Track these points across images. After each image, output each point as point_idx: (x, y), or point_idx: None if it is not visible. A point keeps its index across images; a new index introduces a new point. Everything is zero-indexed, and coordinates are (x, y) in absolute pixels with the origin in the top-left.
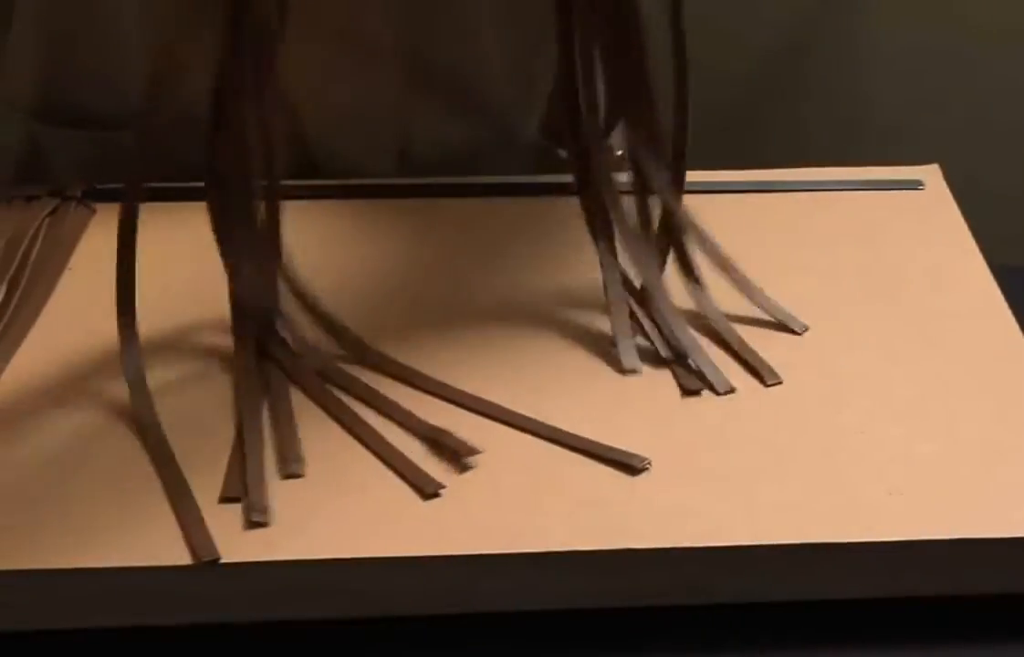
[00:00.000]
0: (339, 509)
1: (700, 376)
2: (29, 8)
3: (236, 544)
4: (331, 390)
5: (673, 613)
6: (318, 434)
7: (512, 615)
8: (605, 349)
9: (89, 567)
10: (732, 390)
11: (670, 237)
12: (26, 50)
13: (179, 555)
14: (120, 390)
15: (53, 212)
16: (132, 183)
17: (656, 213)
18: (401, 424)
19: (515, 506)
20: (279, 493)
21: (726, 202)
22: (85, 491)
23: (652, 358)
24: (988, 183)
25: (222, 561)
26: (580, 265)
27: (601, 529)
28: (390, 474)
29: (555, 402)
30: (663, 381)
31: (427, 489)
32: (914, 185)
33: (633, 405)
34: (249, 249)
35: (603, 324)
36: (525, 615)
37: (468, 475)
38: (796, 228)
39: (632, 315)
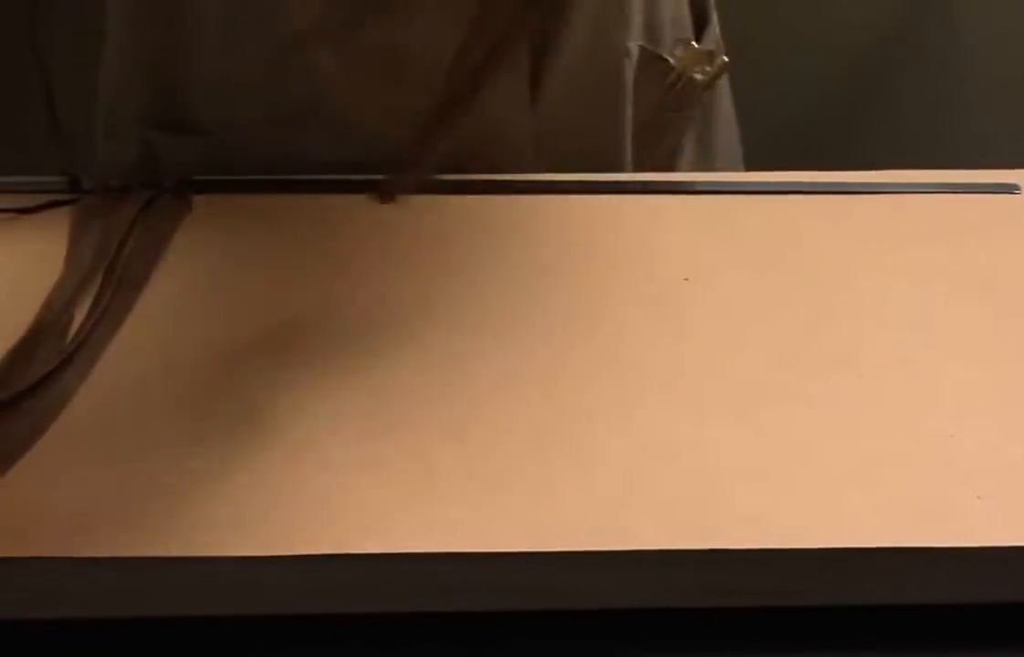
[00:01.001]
0: (434, 504)
1: None
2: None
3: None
4: None
5: (758, 615)
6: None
7: (597, 613)
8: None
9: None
10: None
11: None
12: (139, 62)
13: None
14: (215, 375)
15: (149, 203)
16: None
17: None
18: None
19: (604, 503)
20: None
21: (818, 203)
22: (184, 480)
23: None
24: None
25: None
26: None
27: (690, 528)
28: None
29: None
30: (758, 389)
31: None
32: (1009, 189)
33: (713, 409)
34: None
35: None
36: (610, 613)
37: (559, 471)
38: (889, 230)
39: None
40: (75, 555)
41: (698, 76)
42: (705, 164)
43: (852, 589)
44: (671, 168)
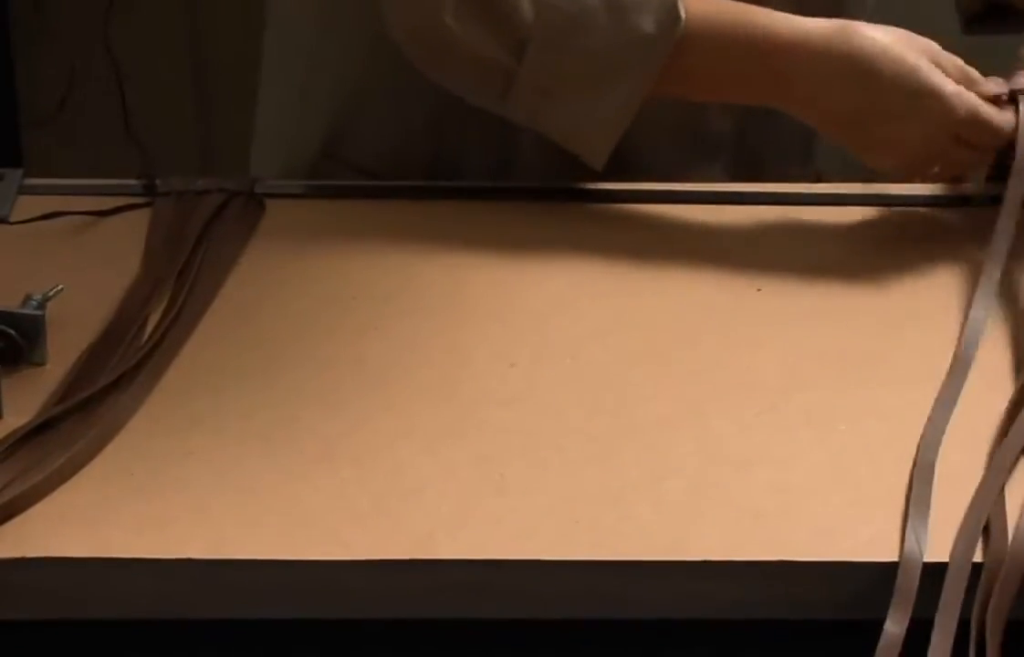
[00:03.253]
0: (503, 510)
1: None
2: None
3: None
4: None
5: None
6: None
7: (660, 622)
8: None
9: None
10: None
11: None
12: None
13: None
14: (283, 386)
15: (223, 208)
16: None
17: None
18: None
19: (675, 514)
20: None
21: (882, 212)
22: (254, 483)
23: None
24: None
25: None
26: None
27: (759, 541)
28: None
29: None
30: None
31: None
32: None
33: (787, 420)
34: None
35: None
36: (675, 623)
37: (628, 480)
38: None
39: None
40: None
41: None
42: None
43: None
44: None
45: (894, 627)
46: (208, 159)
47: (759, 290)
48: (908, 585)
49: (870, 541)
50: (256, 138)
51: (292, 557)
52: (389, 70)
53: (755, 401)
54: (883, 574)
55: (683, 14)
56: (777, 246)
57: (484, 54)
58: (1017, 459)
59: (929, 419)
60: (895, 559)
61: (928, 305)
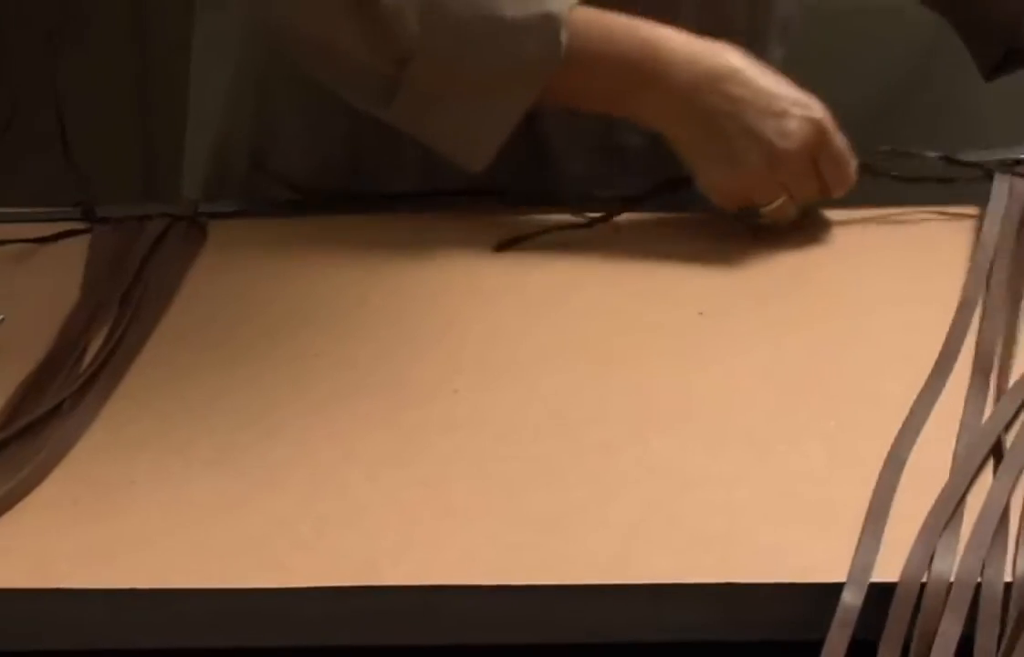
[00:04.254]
0: (448, 535)
1: None
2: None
3: None
4: None
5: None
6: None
7: (607, 646)
8: None
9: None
10: None
11: None
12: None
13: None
14: (227, 412)
15: (165, 232)
16: None
17: None
18: None
19: (620, 537)
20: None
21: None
22: (198, 511)
23: None
24: None
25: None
26: None
27: (705, 562)
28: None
29: None
30: (775, 422)
31: None
32: None
33: (730, 442)
34: None
35: None
36: (622, 646)
37: (573, 503)
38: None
39: None
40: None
41: None
42: None
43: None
44: None
45: (834, 649)
46: (151, 185)
47: (701, 313)
48: (851, 605)
49: (815, 562)
50: (187, 153)
51: (236, 585)
52: (309, 80)
53: (698, 423)
54: (829, 595)
55: (564, 40)
56: (719, 268)
57: (368, 64)
58: (973, 481)
59: (896, 437)
60: (842, 579)
61: (871, 324)
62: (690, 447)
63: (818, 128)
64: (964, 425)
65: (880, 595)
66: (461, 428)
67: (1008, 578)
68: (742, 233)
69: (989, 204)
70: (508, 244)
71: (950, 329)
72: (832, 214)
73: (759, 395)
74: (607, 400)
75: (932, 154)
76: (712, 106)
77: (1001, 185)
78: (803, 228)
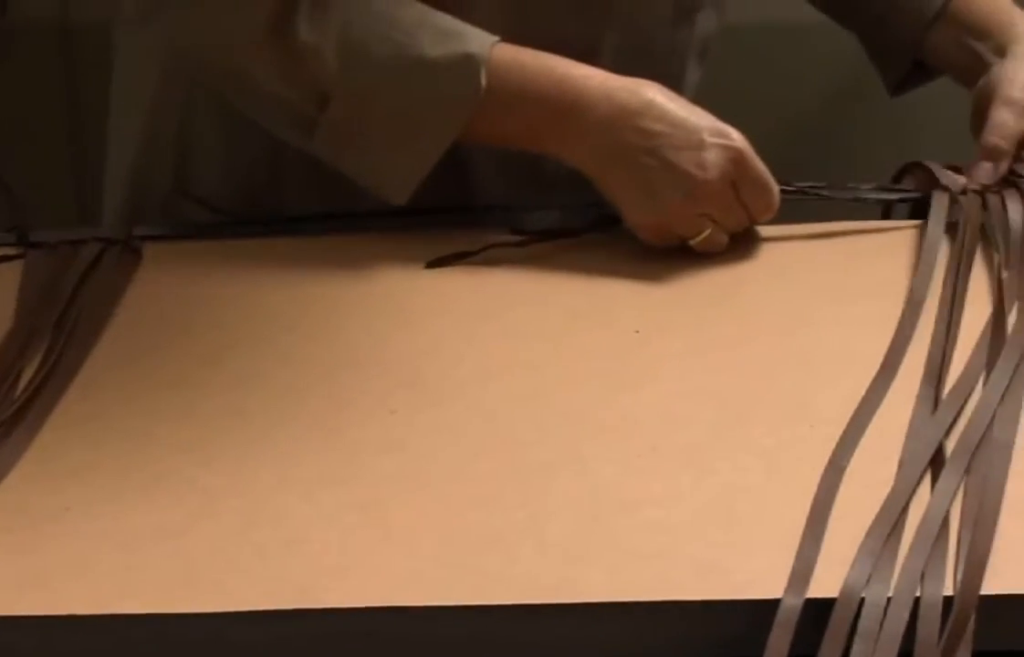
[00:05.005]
0: (388, 557)
1: None
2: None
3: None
4: None
5: None
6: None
7: None
8: None
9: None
10: None
11: None
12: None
13: None
14: (162, 437)
15: (99, 257)
16: None
17: None
18: None
19: (559, 556)
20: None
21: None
22: (137, 537)
23: None
24: None
25: None
26: None
27: (643, 581)
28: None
29: None
30: (712, 440)
31: None
32: None
33: (668, 460)
34: None
35: None
36: None
37: (512, 523)
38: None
39: None
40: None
41: None
42: None
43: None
44: None
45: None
46: (84, 209)
47: (637, 331)
48: (787, 621)
49: (755, 578)
50: (107, 175)
51: (175, 610)
52: (227, 105)
53: (636, 442)
54: (769, 610)
55: (483, 81)
56: (654, 286)
57: (288, 99)
58: (911, 496)
59: (835, 450)
60: (779, 596)
61: (806, 340)
62: (628, 466)
63: (736, 157)
64: (907, 436)
65: (819, 610)
66: (399, 449)
67: (948, 592)
68: (677, 251)
69: (929, 220)
70: (439, 262)
71: (891, 342)
72: (766, 230)
73: (696, 412)
74: (544, 419)
75: (841, 194)
76: (630, 142)
77: (939, 202)
78: (738, 245)
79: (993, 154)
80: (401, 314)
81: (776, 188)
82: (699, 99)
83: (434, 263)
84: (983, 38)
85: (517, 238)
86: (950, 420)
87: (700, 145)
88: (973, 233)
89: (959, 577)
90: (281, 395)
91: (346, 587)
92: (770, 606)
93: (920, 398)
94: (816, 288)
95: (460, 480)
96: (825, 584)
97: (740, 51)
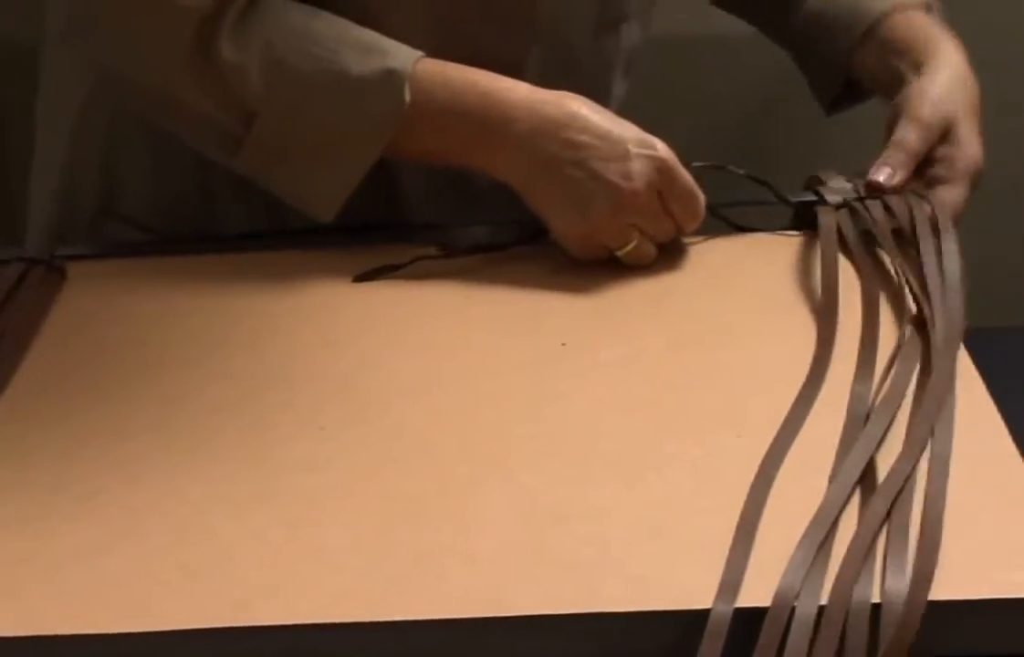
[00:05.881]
0: (317, 573)
1: None
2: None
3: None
4: None
5: None
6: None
7: None
8: None
9: None
10: None
11: None
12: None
13: None
14: (89, 458)
15: (22, 277)
16: None
17: None
18: None
19: (490, 571)
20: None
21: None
22: (63, 557)
23: None
24: None
25: None
26: None
27: (573, 593)
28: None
29: None
30: (640, 451)
31: None
32: None
33: (596, 472)
34: None
35: None
36: None
37: (442, 539)
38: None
39: None
40: None
41: None
42: None
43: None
44: None
45: None
46: (8, 229)
47: (564, 344)
48: (717, 630)
49: (685, 588)
50: (32, 195)
51: (102, 630)
52: (154, 123)
53: (564, 454)
54: (700, 620)
55: (407, 97)
56: (580, 298)
57: (213, 118)
58: (846, 503)
59: (764, 459)
60: (709, 606)
61: (733, 350)
62: (556, 478)
63: (662, 167)
64: (837, 451)
65: (750, 619)
66: (328, 466)
67: (876, 599)
68: (604, 263)
69: (820, 235)
70: (367, 276)
71: (815, 352)
72: (691, 240)
73: (624, 424)
74: (473, 434)
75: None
76: (555, 154)
77: (826, 219)
78: (664, 256)
79: (889, 168)
80: (329, 330)
81: (702, 197)
82: (625, 111)
83: (361, 277)
84: (902, 55)
85: (444, 252)
86: (881, 431)
87: (625, 156)
88: (832, 246)
89: (900, 586)
90: (208, 412)
91: (275, 605)
92: (701, 616)
93: (850, 411)
94: (741, 298)
95: (389, 496)
96: (755, 593)
97: (666, 63)
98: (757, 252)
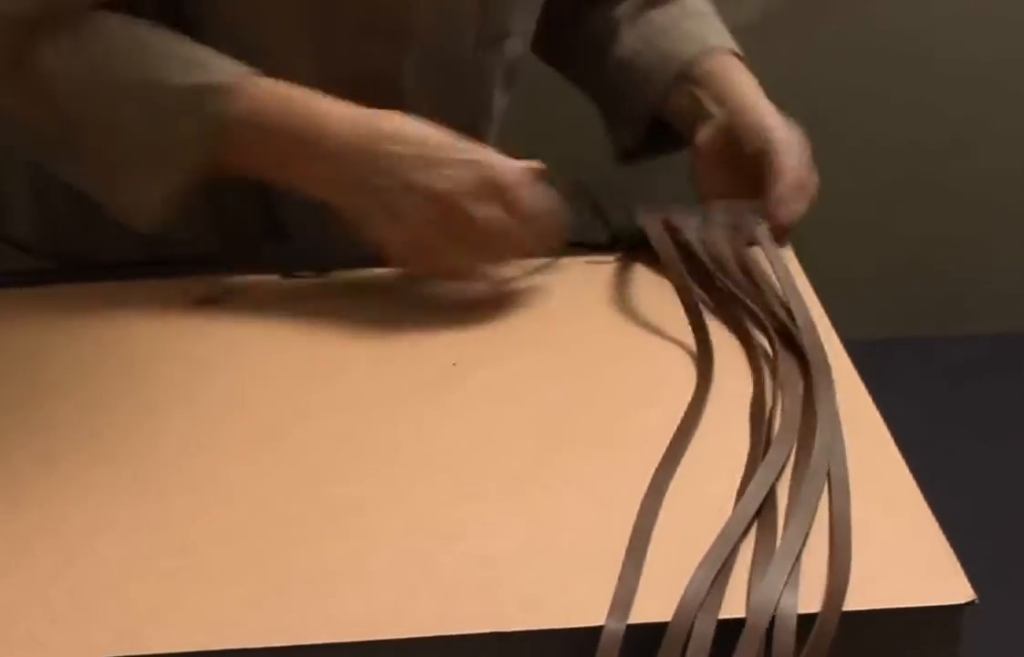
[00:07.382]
0: (208, 599)
1: None
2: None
3: None
4: None
5: None
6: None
7: None
8: None
9: None
10: None
11: None
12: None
13: None
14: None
15: None
16: None
17: None
18: None
19: (382, 592)
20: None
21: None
22: None
23: None
24: None
25: None
26: None
27: (465, 613)
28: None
29: None
30: (526, 469)
31: None
32: None
33: (485, 491)
34: None
35: None
36: None
37: (332, 562)
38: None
39: None
40: None
41: None
42: None
43: None
44: None
45: None
46: None
47: (454, 364)
48: (610, 647)
49: (577, 606)
50: None
51: None
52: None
53: (454, 474)
54: (592, 638)
55: (222, 112)
56: (469, 319)
57: (42, 130)
58: (752, 521)
59: (653, 477)
60: (602, 623)
61: (621, 368)
62: (447, 499)
63: (479, 169)
64: (741, 479)
65: (643, 635)
66: (214, 491)
67: (801, 610)
68: (490, 283)
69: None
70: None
71: (697, 371)
72: (577, 260)
73: (514, 444)
74: (362, 456)
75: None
76: (371, 168)
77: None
78: (552, 275)
79: (777, 232)
80: (210, 356)
81: (553, 217)
82: (508, 124)
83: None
84: (703, 86)
85: (319, 271)
86: (782, 462)
87: (441, 162)
88: (678, 267)
89: (783, 602)
90: (91, 439)
91: (164, 632)
92: (593, 633)
93: (753, 439)
94: (628, 315)
95: (278, 521)
96: (648, 610)
97: (549, 77)
98: (641, 272)
